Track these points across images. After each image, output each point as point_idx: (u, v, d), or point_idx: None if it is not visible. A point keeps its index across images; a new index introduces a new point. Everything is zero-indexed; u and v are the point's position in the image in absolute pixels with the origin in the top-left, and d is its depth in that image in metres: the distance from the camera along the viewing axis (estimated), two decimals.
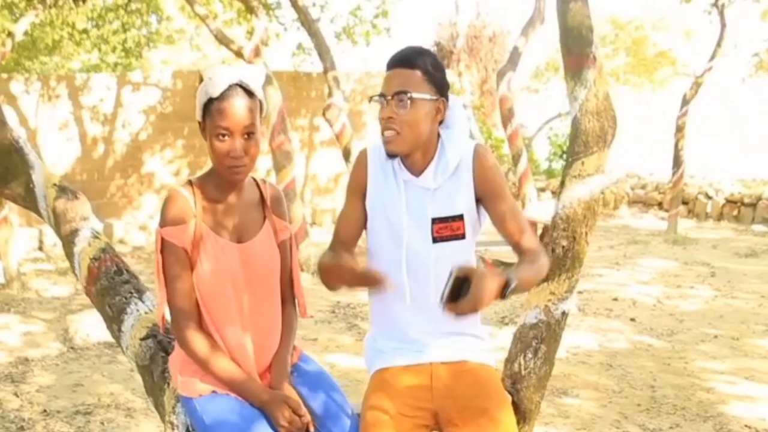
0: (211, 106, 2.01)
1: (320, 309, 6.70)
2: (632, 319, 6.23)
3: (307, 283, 7.75)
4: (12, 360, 5.49)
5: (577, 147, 2.45)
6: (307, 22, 8.56)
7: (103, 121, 10.93)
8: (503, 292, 1.88)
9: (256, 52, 8.08)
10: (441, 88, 2.17)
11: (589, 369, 5.07)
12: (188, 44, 14.55)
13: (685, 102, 9.98)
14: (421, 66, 2.14)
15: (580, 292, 6.85)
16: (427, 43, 18.09)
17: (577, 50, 2.48)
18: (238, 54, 8.18)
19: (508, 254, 7.06)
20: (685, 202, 11.66)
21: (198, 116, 2.06)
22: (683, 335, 5.81)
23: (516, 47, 8.74)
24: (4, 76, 10.80)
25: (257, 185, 2.22)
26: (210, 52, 14.99)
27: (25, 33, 10.40)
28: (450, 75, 14.18)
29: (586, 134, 2.43)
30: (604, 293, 7.10)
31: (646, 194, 12.60)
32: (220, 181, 2.10)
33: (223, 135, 2.00)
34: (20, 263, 8.33)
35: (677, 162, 10.11)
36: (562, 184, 2.47)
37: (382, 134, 2.16)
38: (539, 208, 7.82)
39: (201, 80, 2.06)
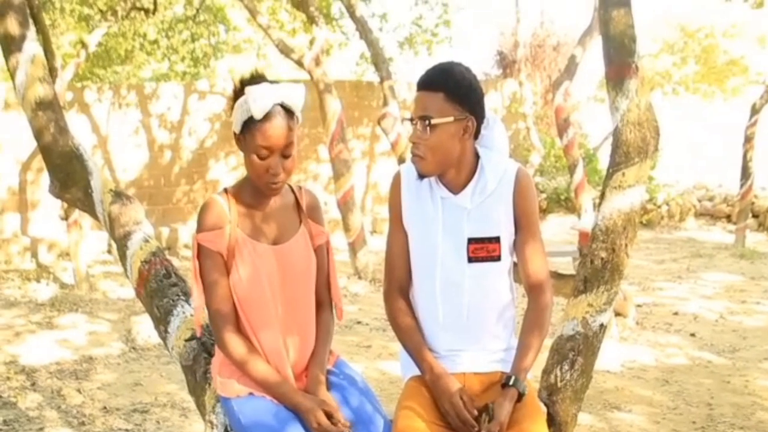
0: (251, 124, 2.06)
1: (375, 317, 6.74)
2: (692, 335, 6.09)
3: (365, 290, 7.83)
4: (77, 358, 5.69)
5: (618, 158, 2.43)
6: (364, 32, 8.65)
7: (170, 129, 11.24)
8: (517, 390, 2.11)
9: (316, 62, 8.20)
10: (470, 105, 2.16)
11: (643, 384, 4.97)
12: (255, 53, 14.83)
13: (755, 111, 9.70)
14: (444, 87, 2.13)
15: (638, 306, 6.72)
16: (490, 53, 18.05)
17: (618, 60, 2.46)
18: (299, 63, 8.31)
19: (567, 266, 7.00)
20: (755, 215, 11.31)
21: (236, 128, 2.12)
22: (746, 352, 5.64)
23: (573, 56, 8.64)
24: (79, 85, 11.21)
25: (292, 191, 2.27)
26: (275, 61, 15.24)
27: (99, 44, 10.77)
28: (511, 84, 14.08)
29: (627, 145, 2.41)
30: (664, 307, 6.95)
31: (714, 207, 12.27)
32: (255, 190, 2.16)
33: (263, 154, 2.06)
34: (89, 265, 8.62)
35: (746, 173, 9.83)
36: (602, 195, 2.45)
37: (411, 156, 2.20)
38: (593, 219, 7.69)
39: (236, 88, 2.07)
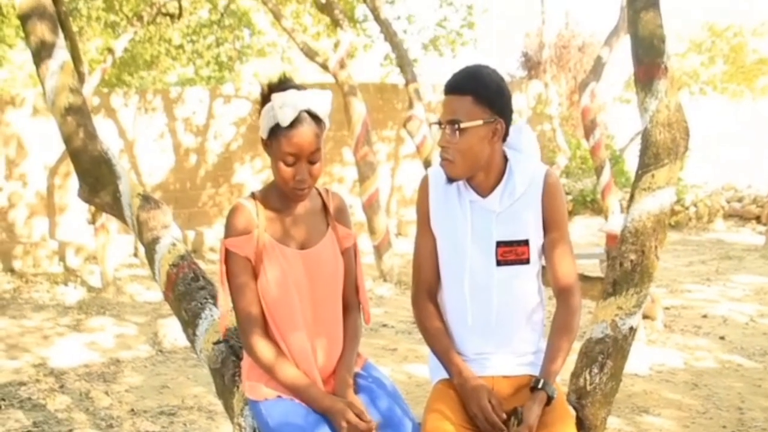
0: (278, 131, 2.07)
1: (401, 320, 6.74)
2: (722, 338, 6.02)
3: (390, 293, 7.83)
4: (105, 360, 5.75)
5: (648, 159, 2.42)
6: (389, 35, 8.66)
7: (195, 133, 11.33)
8: (546, 393, 2.10)
9: (341, 64, 8.22)
10: (499, 107, 2.16)
11: (672, 387, 4.92)
12: (279, 57, 14.91)
13: None
14: (472, 91, 2.13)
15: (666, 308, 6.66)
16: (515, 54, 17.99)
17: (647, 60, 2.45)
18: (324, 66, 8.35)
19: (593, 267, 6.96)
20: None
21: (263, 134, 2.13)
22: None
23: (599, 57, 8.59)
24: (105, 90, 11.33)
25: (319, 194, 2.28)
26: (300, 64, 15.32)
27: (125, 49, 10.89)
28: (537, 85, 14.03)
29: (657, 146, 2.40)
30: (693, 310, 6.88)
31: (743, 207, 12.13)
32: (282, 194, 2.17)
33: (290, 160, 2.08)
34: (116, 269, 8.72)
35: None
36: (632, 197, 2.44)
37: (440, 160, 2.21)
38: (621, 221, 7.65)
39: (264, 93, 2.07)
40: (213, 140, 11.46)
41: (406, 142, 12.31)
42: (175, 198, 10.91)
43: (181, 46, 13.45)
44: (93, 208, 7.91)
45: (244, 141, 11.62)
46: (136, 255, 10.31)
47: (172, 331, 6.30)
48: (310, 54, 8.50)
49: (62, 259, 9.78)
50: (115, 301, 7.85)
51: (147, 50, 13.52)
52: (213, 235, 10.76)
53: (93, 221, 8.19)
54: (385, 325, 6.55)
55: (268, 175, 11.74)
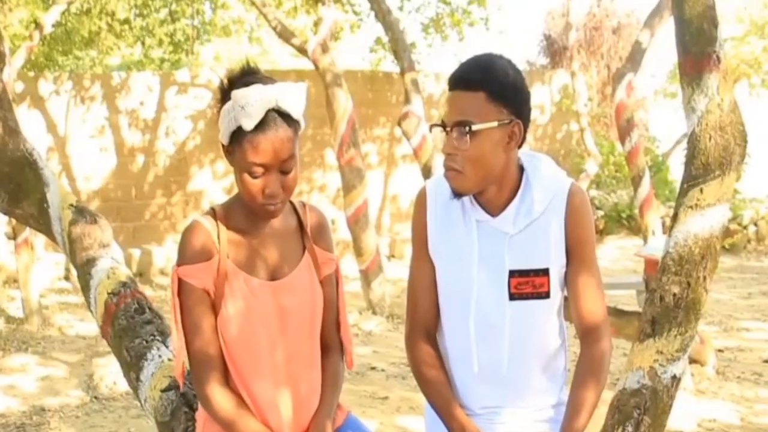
0: (241, 135, 2.04)
1: (393, 361, 6.75)
2: None
3: (381, 328, 7.84)
4: (26, 409, 5.74)
5: (695, 170, 2.44)
6: (381, 12, 8.71)
7: (143, 128, 11.36)
8: None
9: (323, 48, 8.25)
10: (516, 106, 2.15)
11: None
12: (247, 37, 14.96)
13: None
14: (486, 86, 2.12)
15: (720, 351, 6.69)
16: (536, 38, 18.11)
17: (695, 49, 2.48)
18: (301, 50, 8.37)
19: (629, 299, 6.98)
20: None
21: (223, 139, 2.10)
22: None
23: (638, 42, 8.65)
24: (31, 74, 11.32)
25: (294, 210, 2.28)
26: (272, 46, 15.37)
27: (57, 23, 10.89)
28: (562, 75, 14.10)
29: (707, 154, 2.42)
30: (752, 353, 6.92)
31: None
32: (248, 211, 2.16)
33: (258, 171, 2.06)
34: (42, 294, 8.68)
35: None
36: (675, 216, 2.46)
37: (444, 171, 2.19)
38: (662, 244, 7.69)
39: (223, 87, 2.05)
40: (164, 138, 11.48)
41: (402, 143, 12.35)
42: (117, 209, 10.91)
43: (126, 21, 13.46)
44: (13, 221, 7.90)
45: (202, 139, 11.65)
46: (67, 278, 10.29)
47: (110, 373, 6.29)
48: (284, 35, 8.53)
49: None
50: (40, 334, 7.83)
51: (84, 25, 13.51)
52: (163, 254, 10.76)
53: (13, 236, 8.14)
54: (373, 368, 6.56)
55: (231, 182, 11.76)
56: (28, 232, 7.96)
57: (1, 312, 8.65)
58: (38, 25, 9.48)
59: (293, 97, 2.07)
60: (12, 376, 6.54)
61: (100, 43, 14.23)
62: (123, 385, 6.07)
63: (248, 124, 2.02)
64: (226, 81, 2.10)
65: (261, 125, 2.02)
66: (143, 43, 14.43)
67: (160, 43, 14.30)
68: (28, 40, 9.64)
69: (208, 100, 11.59)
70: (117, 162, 11.19)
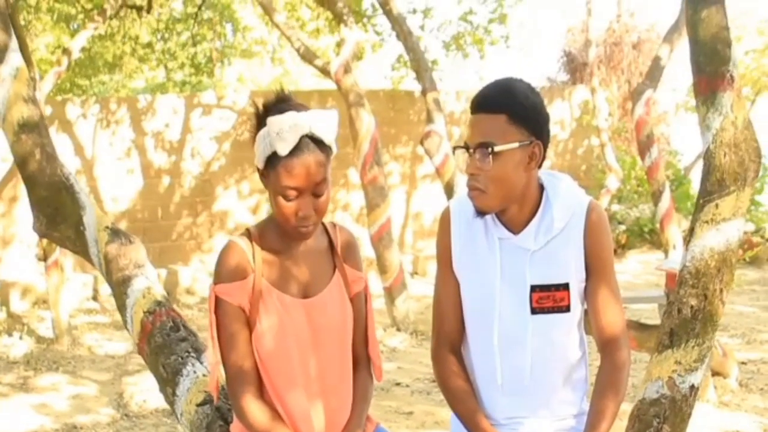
0: (276, 160, 2.14)
1: (418, 377, 6.80)
2: None
3: (405, 344, 7.88)
4: (58, 427, 5.81)
5: (710, 186, 2.51)
6: (402, 33, 8.78)
7: (168, 150, 11.47)
8: None
9: (345, 69, 8.34)
10: (536, 127, 2.25)
11: None
12: (269, 58, 15.06)
13: None
14: (507, 108, 2.22)
15: (743, 363, 6.70)
16: (556, 54, 18.15)
17: (709, 69, 2.56)
18: (324, 71, 8.47)
19: (652, 313, 7.00)
20: None
21: (258, 164, 2.21)
22: None
23: (658, 58, 8.69)
24: (59, 98, 11.47)
25: (325, 230, 2.37)
26: (294, 67, 15.47)
27: (82, 49, 11.02)
28: (582, 91, 14.13)
29: (722, 171, 2.49)
30: None
31: None
32: (282, 232, 2.25)
33: (291, 195, 2.15)
34: (71, 315, 8.77)
35: None
36: (691, 231, 2.53)
37: (468, 191, 2.29)
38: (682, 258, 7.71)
39: (258, 113, 2.13)
40: (190, 159, 11.59)
41: (424, 162, 12.38)
42: (143, 229, 11.00)
43: (150, 45, 13.59)
44: (44, 242, 8.00)
45: (227, 160, 11.75)
46: (95, 298, 10.38)
47: (140, 390, 6.39)
48: (307, 56, 8.62)
49: (5, 303, 9.84)
50: (70, 354, 7.91)
51: (108, 49, 13.65)
52: (189, 274, 10.82)
53: (44, 257, 8.21)
54: (398, 384, 6.61)
55: (256, 202, 11.86)
56: (58, 254, 8.06)
57: (31, 332, 8.74)
58: (66, 51, 9.62)
59: (326, 124, 2.16)
60: (44, 394, 6.63)
61: (124, 66, 14.37)
62: (153, 403, 6.17)
63: (283, 150, 2.12)
64: (261, 108, 2.20)
65: (295, 150, 2.12)
66: (166, 66, 14.57)
67: (182, 66, 14.41)
68: (55, 65, 9.78)
69: (232, 121, 11.70)
70: (143, 183, 11.30)
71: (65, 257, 8.25)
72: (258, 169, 2.24)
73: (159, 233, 11.23)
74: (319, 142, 2.16)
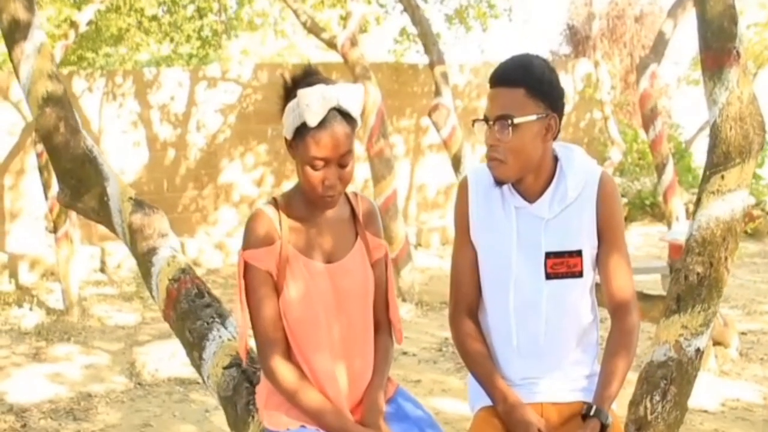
0: (305, 131, 2.24)
1: (425, 346, 6.90)
2: None
3: (410, 314, 7.99)
4: (73, 395, 5.92)
5: (716, 158, 2.61)
6: (410, 7, 8.82)
7: (174, 123, 11.56)
8: (600, 421, 2.27)
9: (352, 42, 8.39)
10: (552, 101, 2.36)
11: (749, 426, 5.07)
12: (272, 31, 15.05)
13: None
14: (525, 83, 2.32)
15: (743, 333, 6.81)
16: (559, 28, 18.15)
17: (716, 45, 2.65)
18: (330, 44, 8.52)
19: (654, 284, 7.11)
20: None
21: (287, 134, 2.31)
22: None
23: (662, 32, 8.75)
24: (65, 71, 11.51)
25: (348, 199, 2.48)
26: (298, 40, 15.44)
27: (89, 22, 11.03)
28: (584, 64, 14.17)
29: (727, 143, 2.59)
30: None
31: None
32: (308, 201, 2.36)
33: (318, 165, 2.26)
34: (81, 286, 8.88)
35: None
36: (698, 201, 2.63)
37: (487, 161, 2.39)
38: (686, 229, 7.80)
39: (286, 86, 2.21)
40: (195, 131, 11.67)
41: (429, 133, 12.42)
42: (149, 201, 10.93)
43: (155, 18, 13.58)
44: (54, 214, 8.09)
45: (232, 132, 11.83)
46: (102, 270, 10.49)
47: (152, 360, 6.51)
48: (314, 29, 8.68)
49: (13, 275, 9.95)
50: (80, 325, 8.02)
51: (113, 22, 13.62)
52: (195, 245, 10.93)
53: (54, 230, 8.29)
54: (405, 353, 6.71)
55: (261, 174, 11.93)
56: (68, 226, 8.16)
57: (41, 304, 8.85)
58: (73, 24, 9.66)
59: (353, 98, 2.27)
60: (57, 364, 6.74)
61: (129, 39, 14.36)
62: (164, 372, 6.29)
63: (312, 121, 2.22)
64: (290, 80, 2.30)
65: (323, 122, 2.22)
66: (171, 39, 14.55)
67: (188, 39, 14.39)
68: (61, 38, 9.81)
69: (237, 94, 11.76)
70: (149, 156, 11.38)
71: (74, 229, 8.33)
72: (286, 140, 2.33)
73: (164, 205, 11.13)
74: (346, 115, 2.26)
